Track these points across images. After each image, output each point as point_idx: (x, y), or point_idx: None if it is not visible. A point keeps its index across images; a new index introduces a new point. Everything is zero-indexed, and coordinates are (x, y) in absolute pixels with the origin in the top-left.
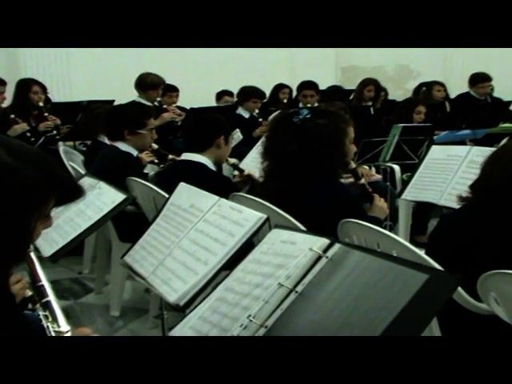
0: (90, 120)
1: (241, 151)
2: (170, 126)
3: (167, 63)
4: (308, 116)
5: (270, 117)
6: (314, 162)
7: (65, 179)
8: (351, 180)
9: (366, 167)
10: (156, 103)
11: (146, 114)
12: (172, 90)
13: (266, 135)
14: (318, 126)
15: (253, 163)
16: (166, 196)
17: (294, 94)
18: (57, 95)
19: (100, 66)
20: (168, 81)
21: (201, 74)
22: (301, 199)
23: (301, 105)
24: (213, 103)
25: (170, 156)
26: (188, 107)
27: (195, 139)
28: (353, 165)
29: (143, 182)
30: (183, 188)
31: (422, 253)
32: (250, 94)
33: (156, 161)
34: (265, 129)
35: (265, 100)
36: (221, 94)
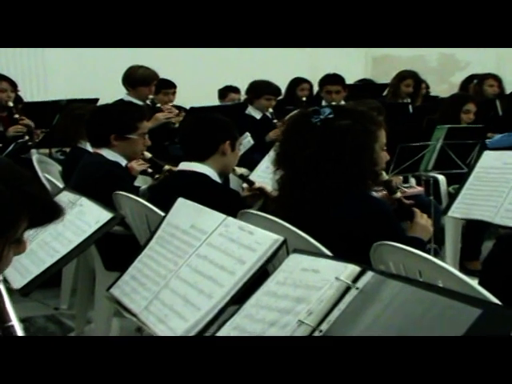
0: (70, 123)
1: (251, 159)
2: (165, 129)
3: (162, 54)
4: (330, 116)
5: (286, 117)
6: (337, 172)
7: (39, 195)
8: (384, 193)
9: (401, 178)
10: (148, 102)
11: (136, 116)
12: (167, 86)
13: (280, 139)
14: (341, 128)
15: (266, 174)
16: (162, 214)
17: (316, 89)
18: (29, 93)
19: (81, 58)
20: (163, 75)
21: (202, 66)
22: (324, 217)
23: (324, 103)
24: (216, 102)
25: (166, 166)
26: (187, 106)
27: (195, 145)
28: (385, 176)
29: (134, 197)
30: (182, 204)
31: (474, 283)
32: (261, 89)
33: (150, 171)
34: (280, 132)
35: (280, 97)
36: (225, 91)
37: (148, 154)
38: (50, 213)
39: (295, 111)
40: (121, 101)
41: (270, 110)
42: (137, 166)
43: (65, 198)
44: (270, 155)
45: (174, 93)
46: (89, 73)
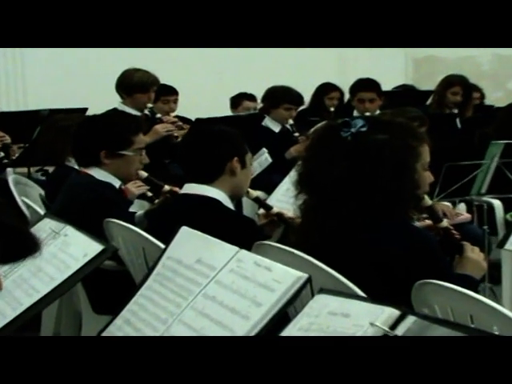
0: (53, 137)
1: (269, 180)
2: (166, 144)
3: (162, 55)
4: (363, 129)
5: (311, 130)
6: (371, 196)
7: (12, 225)
8: (428, 222)
9: (449, 204)
10: (147, 111)
11: (131, 128)
12: (169, 93)
13: (303, 157)
14: (376, 144)
15: (286, 197)
16: (162, 246)
17: (347, 98)
18: (5, 102)
19: (66, 60)
20: (164, 80)
21: (210, 69)
22: (356, 251)
23: (356, 113)
24: (228, 112)
25: (167, 188)
26: (192, 117)
27: (197, 165)
28: (429, 201)
29: (128, 225)
30: (186, 234)
31: None
32: (281, 97)
33: (149, 194)
34: (303, 148)
35: (303, 107)
36: (238, 99)
37: (143, 173)
38: (25, 246)
39: (321, 123)
40: (114, 110)
41: (291, 121)
42: (134, 188)
43: (46, 226)
44: (291, 176)
45: (176, 100)
46: (76, 77)
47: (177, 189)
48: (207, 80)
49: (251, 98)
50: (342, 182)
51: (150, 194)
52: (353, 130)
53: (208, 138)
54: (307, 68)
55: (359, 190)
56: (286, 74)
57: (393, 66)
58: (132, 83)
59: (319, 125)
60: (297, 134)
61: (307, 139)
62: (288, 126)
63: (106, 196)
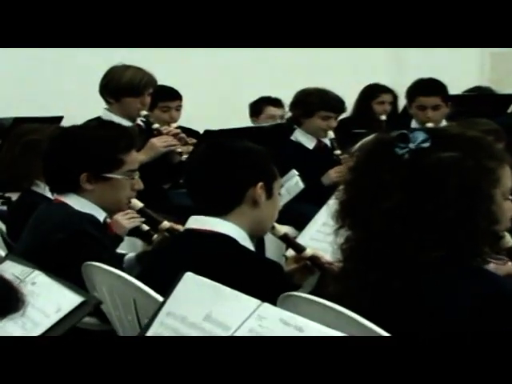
0: (17, 154)
1: (300, 212)
2: (165, 163)
3: (160, 54)
4: (425, 145)
5: (356, 146)
6: (435, 233)
7: None
8: (509, 267)
9: None
10: (140, 121)
11: (121, 143)
12: (169, 98)
13: (346, 181)
14: (442, 165)
15: (323, 235)
16: (159, 298)
17: (402, 103)
18: None
19: (36, 56)
20: (163, 81)
21: (222, 69)
22: (415, 306)
23: (414, 124)
24: (246, 121)
25: (166, 224)
26: (200, 129)
27: (211, 191)
28: (510, 240)
29: (115, 270)
30: (191, 283)
31: None
32: (316, 102)
33: (145, 229)
34: (345, 169)
35: (345, 115)
36: (260, 105)
37: (138, 204)
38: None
39: (370, 136)
40: (97, 120)
41: (330, 134)
42: (124, 221)
43: (8, 271)
44: (330, 206)
45: (179, 107)
46: (48, 78)
47: (179, 226)
48: (219, 81)
49: (277, 103)
50: (398, 215)
51: (145, 228)
52: (412, 145)
53: (224, 157)
54: (349, 66)
55: (419, 225)
56: (322, 73)
57: (464, 63)
58: (121, 84)
59: (367, 139)
60: (337, 152)
61: (351, 158)
62: (326, 141)
63: (87, 232)
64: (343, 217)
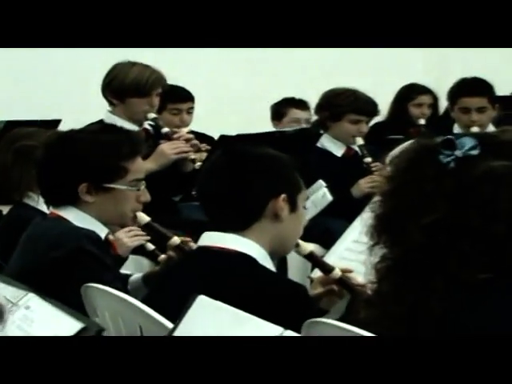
0: (8, 162)
1: (327, 227)
2: (176, 173)
3: (173, 52)
4: (474, 152)
5: (391, 153)
6: (483, 251)
7: None
8: None
9: None
10: (147, 125)
11: (124, 149)
12: (180, 99)
13: (381, 192)
14: (492, 175)
15: (354, 253)
16: (168, 325)
17: (444, 105)
18: None
19: (31, 55)
20: (173, 80)
21: (240, 69)
22: (457, 330)
23: (457, 129)
24: (267, 126)
25: (176, 240)
26: (215, 134)
27: (227, 204)
28: None
29: (118, 293)
30: (204, 307)
31: None
32: (345, 104)
33: (151, 247)
34: (379, 179)
35: (378, 119)
36: (283, 107)
37: (144, 217)
38: None
39: (407, 143)
40: (99, 124)
41: (360, 140)
42: (128, 238)
43: None
44: (363, 220)
45: (191, 110)
46: (44, 77)
47: (191, 243)
48: (236, 80)
49: (301, 105)
50: (441, 229)
51: (151, 247)
52: (458, 153)
53: (242, 165)
54: (383, 65)
55: (465, 242)
56: (352, 72)
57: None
58: (125, 83)
59: (405, 145)
60: (369, 160)
61: (386, 167)
62: (356, 148)
63: (87, 249)
64: (379, 232)
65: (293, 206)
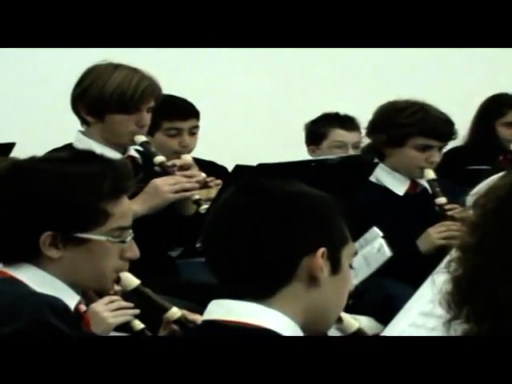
0: None
1: (384, 294)
2: (174, 218)
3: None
4: None
5: (475, 191)
6: None
7: None
8: None
9: None
10: (134, 152)
11: (104, 186)
12: (180, 115)
13: (462, 245)
14: None
15: (421, 330)
16: None
17: None
18: None
19: None
20: (171, 89)
21: (261, 74)
22: None
23: None
24: (300, 152)
25: (175, 311)
26: (228, 163)
27: (245, 261)
28: None
29: None
30: None
31: None
32: (409, 123)
33: (139, 326)
34: (457, 227)
35: (454, 143)
36: (322, 127)
37: (132, 280)
38: None
39: (496, 176)
40: (68, 149)
41: (431, 173)
42: (108, 312)
43: None
44: (434, 285)
45: (195, 130)
46: None
47: (195, 316)
48: (255, 90)
49: (348, 124)
50: None
51: (140, 325)
52: None
53: (265, 208)
54: (460, 68)
55: None
56: (417, 79)
57: None
58: (105, 94)
59: (493, 179)
60: (441, 200)
61: (467, 210)
62: (424, 184)
63: (49, 324)
64: (459, 302)
65: (335, 265)
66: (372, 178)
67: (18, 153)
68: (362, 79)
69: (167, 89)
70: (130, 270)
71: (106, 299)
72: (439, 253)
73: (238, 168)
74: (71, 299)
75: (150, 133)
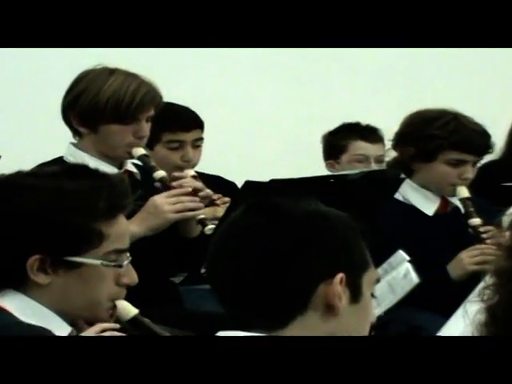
0: None
1: (410, 324)
2: (176, 240)
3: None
4: None
5: (510, 211)
6: None
7: None
8: None
9: None
10: (132, 166)
11: (98, 205)
12: (183, 126)
13: (499, 270)
14: None
15: None
16: None
17: None
18: None
19: None
20: (173, 97)
21: (272, 79)
22: None
23: None
24: (317, 166)
25: None
26: (237, 179)
27: (256, 289)
28: None
29: None
30: None
31: None
32: (440, 135)
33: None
34: (492, 251)
35: (490, 157)
36: (342, 138)
37: (129, 309)
38: None
39: None
40: (58, 163)
41: (464, 191)
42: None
43: None
44: (467, 314)
45: (200, 142)
46: None
47: None
48: (266, 97)
49: (370, 135)
50: None
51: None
52: None
53: (278, 229)
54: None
55: None
56: (448, 86)
57: None
58: (99, 102)
59: None
60: (475, 221)
61: (503, 232)
62: (457, 202)
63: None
64: (495, 334)
65: (355, 293)
66: (398, 196)
67: (1, 167)
68: (386, 86)
69: (168, 96)
70: (127, 298)
71: (98, 328)
72: (472, 279)
73: (248, 184)
74: (61, 330)
75: (150, 145)
